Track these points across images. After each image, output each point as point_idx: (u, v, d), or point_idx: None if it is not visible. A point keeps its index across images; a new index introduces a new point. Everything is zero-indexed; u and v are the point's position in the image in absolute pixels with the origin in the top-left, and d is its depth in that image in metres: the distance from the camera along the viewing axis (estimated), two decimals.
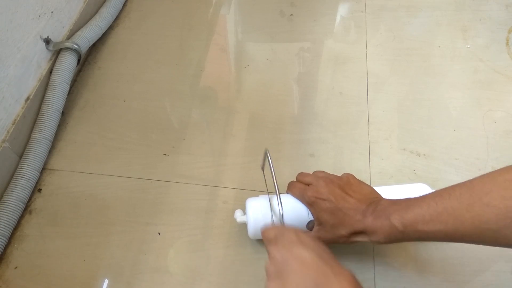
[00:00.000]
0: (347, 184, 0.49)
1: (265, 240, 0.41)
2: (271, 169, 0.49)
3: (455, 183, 0.40)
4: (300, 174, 0.54)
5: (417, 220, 0.40)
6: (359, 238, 0.45)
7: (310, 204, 0.49)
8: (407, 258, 0.55)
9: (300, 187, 0.51)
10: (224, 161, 0.65)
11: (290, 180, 0.54)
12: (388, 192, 0.49)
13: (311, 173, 0.53)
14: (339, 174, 0.52)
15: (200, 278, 0.54)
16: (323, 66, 0.78)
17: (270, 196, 0.52)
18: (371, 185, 0.50)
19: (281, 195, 0.50)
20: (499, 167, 0.38)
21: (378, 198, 0.47)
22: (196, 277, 0.54)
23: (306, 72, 0.77)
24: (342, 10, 0.88)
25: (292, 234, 0.39)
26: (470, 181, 0.39)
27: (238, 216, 0.54)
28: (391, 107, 0.71)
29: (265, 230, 0.42)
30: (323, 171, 0.53)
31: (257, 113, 0.71)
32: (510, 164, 0.38)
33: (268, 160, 0.50)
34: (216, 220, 0.59)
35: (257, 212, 0.51)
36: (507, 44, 0.80)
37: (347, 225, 0.45)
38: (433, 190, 0.43)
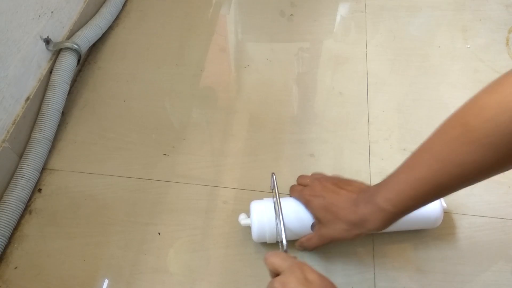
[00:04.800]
0: (340, 180, 0.50)
1: (270, 269, 0.41)
2: (276, 193, 0.49)
3: None
4: (300, 176, 0.55)
5: (404, 197, 0.40)
6: (359, 230, 0.45)
7: (307, 203, 0.50)
8: (407, 258, 0.55)
9: (298, 189, 0.52)
10: (224, 161, 0.65)
11: (290, 180, 0.55)
12: None
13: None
14: (339, 174, 0.52)
15: (200, 278, 0.54)
16: (323, 66, 0.78)
17: (274, 199, 0.52)
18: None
19: (284, 198, 0.51)
20: None
21: (368, 187, 0.48)
22: (196, 277, 0.54)
23: (306, 72, 0.77)
24: (342, 10, 0.88)
25: (298, 272, 0.38)
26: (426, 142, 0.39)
27: (242, 219, 0.54)
28: (391, 107, 0.71)
29: (268, 258, 0.41)
30: (320, 173, 0.54)
31: (257, 113, 0.71)
32: None
33: (274, 183, 0.50)
34: (216, 220, 0.59)
35: (262, 214, 0.51)
36: (507, 44, 0.80)
37: (342, 217, 0.46)
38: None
